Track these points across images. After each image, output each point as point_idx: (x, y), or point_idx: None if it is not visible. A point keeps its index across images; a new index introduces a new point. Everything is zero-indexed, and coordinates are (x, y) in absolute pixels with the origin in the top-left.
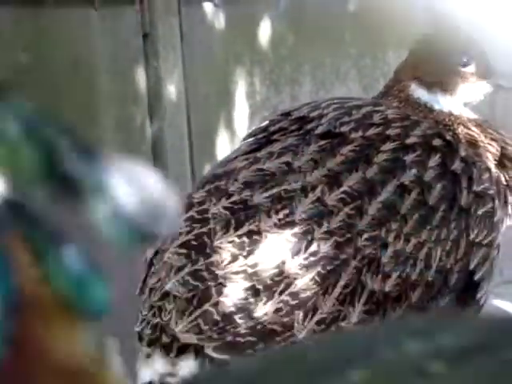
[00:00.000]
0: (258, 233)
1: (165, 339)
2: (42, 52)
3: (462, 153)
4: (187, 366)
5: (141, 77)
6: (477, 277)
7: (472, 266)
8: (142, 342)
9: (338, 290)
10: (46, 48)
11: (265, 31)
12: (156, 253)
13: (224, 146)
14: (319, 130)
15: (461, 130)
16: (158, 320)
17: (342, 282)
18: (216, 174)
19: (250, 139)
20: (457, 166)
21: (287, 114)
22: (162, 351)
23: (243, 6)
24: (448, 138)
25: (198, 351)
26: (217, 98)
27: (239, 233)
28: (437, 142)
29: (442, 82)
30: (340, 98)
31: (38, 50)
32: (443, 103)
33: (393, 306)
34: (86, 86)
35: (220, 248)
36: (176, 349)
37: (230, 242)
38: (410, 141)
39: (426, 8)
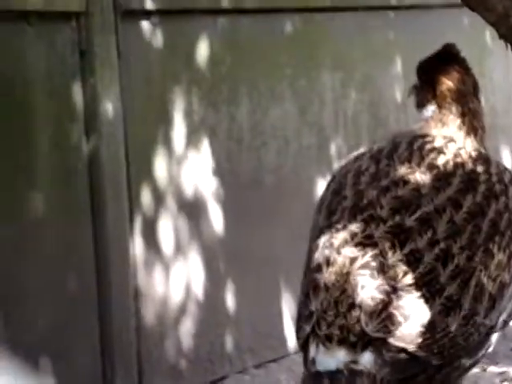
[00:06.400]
0: (418, 251)
1: (352, 338)
2: None
3: None
4: (365, 355)
5: (77, 94)
6: None
7: None
8: (331, 342)
9: (472, 289)
10: None
11: (202, 50)
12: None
13: (161, 164)
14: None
15: None
16: (343, 322)
17: (473, 282)
18: (359, 204)
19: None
20: None
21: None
22: (348, 348)
23: (181, 24)
24: (506, 167)
25: (377, 345)
26: (154, 116)
27: (404, 252)
28: (507, 176)
29: None
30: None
31: None
32: None
33: (493, 306)
34: (21, 103)
35: (393, 266)
36: (361, 345)
37: (400, 261)
38: (494, 179)
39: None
